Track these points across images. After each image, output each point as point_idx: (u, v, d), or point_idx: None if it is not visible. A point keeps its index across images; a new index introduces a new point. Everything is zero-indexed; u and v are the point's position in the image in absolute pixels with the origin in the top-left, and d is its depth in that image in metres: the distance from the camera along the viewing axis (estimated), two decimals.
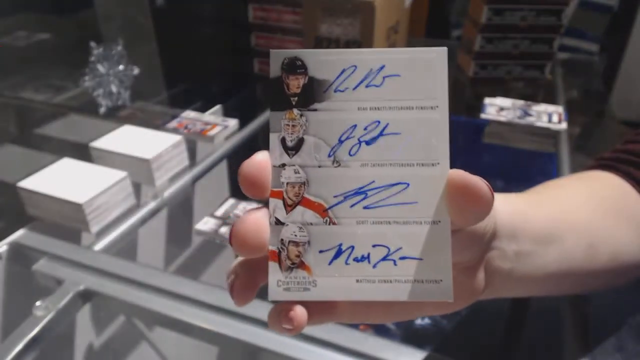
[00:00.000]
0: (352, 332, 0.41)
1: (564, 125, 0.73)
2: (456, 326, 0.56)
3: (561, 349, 0.41)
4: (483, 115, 0.76)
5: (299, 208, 0.20)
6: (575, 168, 0.67)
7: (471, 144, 0.79)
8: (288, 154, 0.20)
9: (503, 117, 0.75)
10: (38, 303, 0.45)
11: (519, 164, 0.79)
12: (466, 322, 0.55)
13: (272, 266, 0.20)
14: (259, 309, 0.43)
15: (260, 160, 0.19)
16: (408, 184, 0.20)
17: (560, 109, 0.78)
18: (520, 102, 0.79)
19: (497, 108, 0.78)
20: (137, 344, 0.62)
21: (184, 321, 0.45)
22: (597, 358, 0.39)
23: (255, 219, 0.19)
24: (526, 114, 0.76)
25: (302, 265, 0.20)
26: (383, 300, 0.20)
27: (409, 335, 0.56)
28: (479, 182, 0.19)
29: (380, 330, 0.60)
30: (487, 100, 0.79)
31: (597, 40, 1.15)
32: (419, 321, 0.59)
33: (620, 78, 0.97)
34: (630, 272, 0.36)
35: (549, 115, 0.76)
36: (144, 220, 0.59)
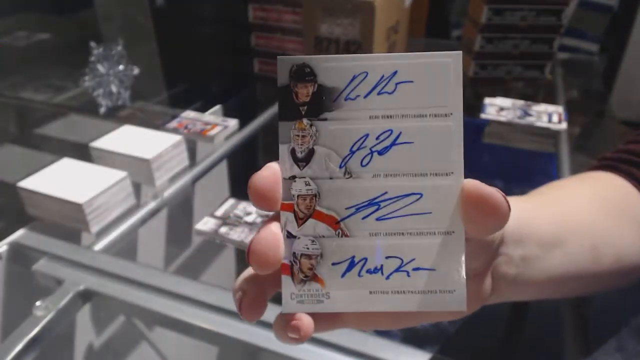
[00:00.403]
0: (353, 333, 0.41)
1: (564, 125, 0.73)
2: (457, 327, 0.56)
3: (561, 349, 0.41)
4: (483, 115, 0.76)
5: (311, 221, 0.19)
6: (575, 168, 0.67)
7: (471, 144, 0.79)
8: (298, 166, 0.19)
9: (503, 117, 0.75)
10: (38, 303, 0.45)
11: (519, 164, 0.79)
12: (466, 323, 0.54)
13: (285, 279, 0.20)
14: None
15: (270, 174, 0.19)
16: (421, 195, 0.19)
17: (560, 109, 0.78)
18: (520, 102, 0.79)
19: (497, 108, 0.77)
20: (137, 344, 0.62)
21: (184, 321, 0.45)
22: (597, 358, 0.38)
23: (272, 236, 0.19)
24: (526, 114, 0.76)
25: (315, 277, 0.20)
26: (396, 310, 0.20)
27: (410, 336, 0.56)
28: (496, 194, 0.18)
29: (381, 331, 0.60)
30: (487, 100, 0.79)
31: (597, 40, 1.15)
32: None
33: (620, 78, 0.97)
34: (633, 273, 0.35)
35: (549, 115, 0.76)
36: (144, 221, 0.59)
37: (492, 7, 0.90)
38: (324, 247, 0.20)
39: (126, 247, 0.58)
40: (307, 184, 0.19)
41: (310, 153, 0.19)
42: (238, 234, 0.55)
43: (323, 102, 0.19)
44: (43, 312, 0.45)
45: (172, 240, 0.71)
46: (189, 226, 0.72)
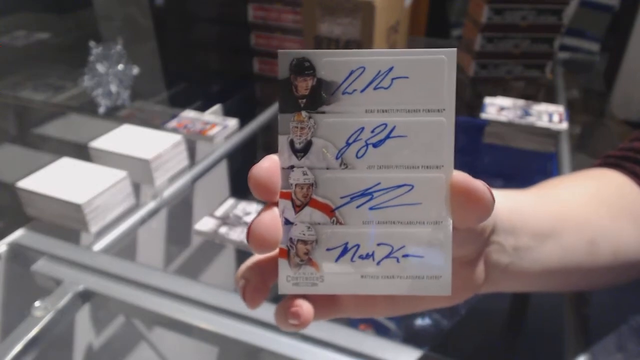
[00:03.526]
0: (352, 332, 0.41)
1: (564, 125, 0.73)
2: (456, 326, 0.56)
3: (561, 348, 0.41)
4: (483, 115, 0.76)
5: (307, 209, 0.21)
6: (576, 168, 0.67)
7: (471, 144, 0.78)
8: (297, 156, 0.20)
9: (503, 116, 0.75)
10: (37, 303, 0.45)
11: (519, 164, 0.79)
12: (466, 322, 0.54)
13: (282, 263, 0.21)
14: (259, 309, 0.43)
15: (269, 165, 0.20)
16: (412, 186, 0.20)
17: (561, 108, 0.78)
18: (521, 102, 0.79)
19: (498, 108, 0.77)
20: (136, 344, 0.61)
21: (183, 321, 0.44)
22: (598, 358, 0.38)
23: (271, 218, 0.20)
24: (527, 113, 0.76)
25: (310, 262, 0.21)
26: (385, 294, 0.21)
27: (410, 336, 0.56)
28: (481, 187, 0.20)
29: (381, 331, 0.60)
30: (488, 100, 0.79)
31: (598, 40, 1.15)
32: (419, 321, 0.58)
33: (621, 78, 0.97)
34: (632, 270, 0.36)
35: (549, 115, 0.76)
36: (143, 221, 0.59)
37: (493, 7, 0.90)
38: (319, 234, 0.21)
39: (125, 247, 0.58)
40: (304, 174, 0.20)
41: (308, 144, 0.20)
42: (237, 234, 0.55)
43: (321, 95, 0.20)
44: (42, 312, 0.45)
45: (172, 241, 0.70)
46: (188, 226, 0.72)
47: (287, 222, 0.21)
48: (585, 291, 0.44)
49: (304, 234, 0.21)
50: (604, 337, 0.39)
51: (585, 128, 0.89)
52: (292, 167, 0.20)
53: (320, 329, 0.41)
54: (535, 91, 0.97)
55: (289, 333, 0.42)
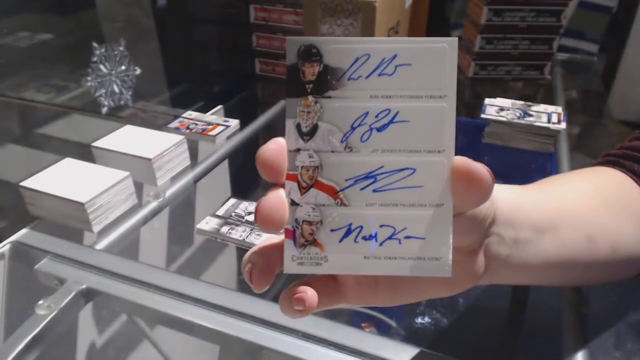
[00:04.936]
0: (353, 331, 0.42)
1: (563, 126, 0.73)
2: (456, 324, 0.56)
3: (560, 347, 0.41)
4: (483, 116, 0.76)
5: (313, 190, 0.21)
6: (575, 167, 0.67)
7: (471, 144, 0.79)
8: (303, 139, 0.21)
9: (503, 117, 0.75)
10: (40, 302, 0.46)
11: (519, 164, 0.79)
12: (466, 321, 0.55)
13: (288, 243, 0.21)
14: (261, 308, 0.43)
15: (276, 147, 0.21)
16: (415, 169, 0.21)
17: (559, 109, 0.78)
18: (520, 103, 0.80)
19: (497, 108, 0.78)
20: (138, 343, 0.62)
21: (185, 320, 0.45)
22: (596, 356, 0.39)
23: (277, 199, 0.21)
24: (526, 114, 0.76)
25: (314, 242, 0.21)
26: (387, 274, 0.21)
27: (410, 334, 0.56)
28: (481, 168, 0.20)
29: (382, 329, 0.60)
30: (487, 101, 0.80)
31: (597, 41, 1.15)
32: (420, 320, 0.59)
33: (619, 78, 0.97)
34: (631, 266, 0.36)
35: (548, 116, 0.76)
36: (145, 220, 0.59)
37: (492, 8, 0.91)
38: (324, 215, 0.21)
39: (128, 247, 0.59)
40: (310, 156, 0.21)
41: (314, 128, 0.21)
42: (239, 234, 0.55)
43: (328, 81, 0.21)
44: (45, 310, 0.45)
45: (174, 240, 0.71)
46: (190, 225, 0.72)
47: (293, 203, 0.21)
48: (583, 289, 0.44)
49: (309, 215, 0.21)
50: (602, 335, 0.40)
51: (584, 128, 0.89)
52: (298, 149, 0.21)
53: (321, 327, 0.42)
54: (534, 92, 0.98)
55: (290, 332, 0.42)
